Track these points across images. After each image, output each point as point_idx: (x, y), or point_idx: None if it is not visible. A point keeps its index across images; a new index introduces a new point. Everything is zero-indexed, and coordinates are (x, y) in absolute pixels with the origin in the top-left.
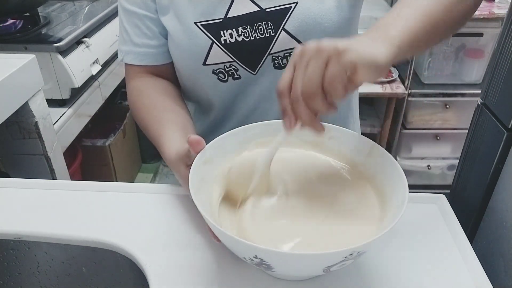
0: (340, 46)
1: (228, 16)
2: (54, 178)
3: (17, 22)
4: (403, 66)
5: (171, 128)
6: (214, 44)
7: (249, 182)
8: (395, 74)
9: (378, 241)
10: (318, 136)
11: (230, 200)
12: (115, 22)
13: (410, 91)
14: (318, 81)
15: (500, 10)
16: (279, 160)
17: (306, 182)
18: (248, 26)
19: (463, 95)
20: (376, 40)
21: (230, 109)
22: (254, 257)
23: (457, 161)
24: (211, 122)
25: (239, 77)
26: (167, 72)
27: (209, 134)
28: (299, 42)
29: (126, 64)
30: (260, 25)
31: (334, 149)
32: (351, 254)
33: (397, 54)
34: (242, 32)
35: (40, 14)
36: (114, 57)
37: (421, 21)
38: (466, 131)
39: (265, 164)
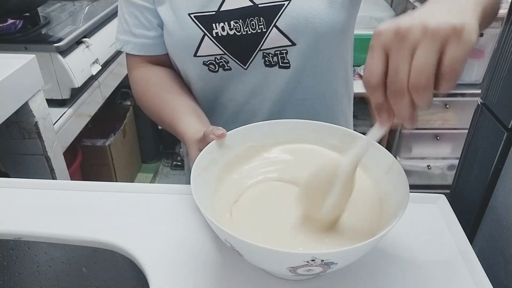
0: (455, 23)
1: (221, 9)
2: (54, 178)
3: (17, 22)
4: None
5: (184, 111)
6: (206, 36)
7: (325, 192)
8: None
9: (345, 253)
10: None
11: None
12: (115, 22)
13: None
14: (432, 70)
15: (500, 10)
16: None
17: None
18: (240, 20)
19: (463, 95)
20: (463, 11)
21: (220, 103)
22: (225, 240)
23: (457, 161)
24: None
25: (230, 69)
26: (166, 62)
27: None
28: (289, 40)
29: (127, 54)
30: (252, 20)
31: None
32: (313, 260)
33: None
34: (234, 26)
35: (40, 14)
36: (114, 57)
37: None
38: (466, 131)
39: (352, 168)
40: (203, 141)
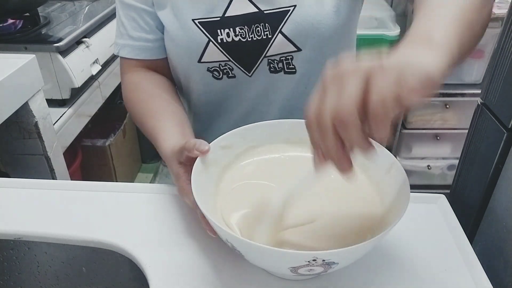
0: (382, 61)
1: (226, 15)
2: (54, 178)
3: (17, 22)
4: None
5: (167, 123)
6: (211, 42)
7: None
8: None
9: (345, 253)
10: (346, 178)
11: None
12: (115, 22)
13: None
14: (354, 104)
15: (500, 10)
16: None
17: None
18: (245, 26)
19: (463, 95)
20: (421, 49)
21: (224, 110)
22: (226, 241)
23: (457, 161)
24: (204, 123)
25: (234, 76)
26: (162, 67)
27: (201, 134)
28: (295, 45)
29: (121, 57)
30: (257, 27)
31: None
32: (315, 260)
33: (450, 61)
34: (239, 32)
35: (40, 14)
36: (114, 57)
37: (461, 21)
38: (466, 131)
39: (280, 207)
40: (181, 154)
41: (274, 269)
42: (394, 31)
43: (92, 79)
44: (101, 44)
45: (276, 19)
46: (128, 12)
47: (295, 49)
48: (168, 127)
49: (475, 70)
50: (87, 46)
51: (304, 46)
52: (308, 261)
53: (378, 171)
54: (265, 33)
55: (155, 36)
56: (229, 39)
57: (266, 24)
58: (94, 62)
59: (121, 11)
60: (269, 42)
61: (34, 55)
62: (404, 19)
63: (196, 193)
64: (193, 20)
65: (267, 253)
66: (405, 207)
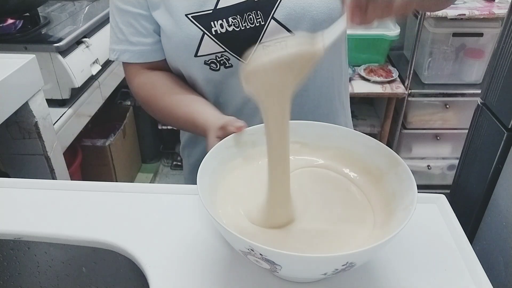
0: None
1: (218, 7)
2: (54, 178)
3: (17, 22)
4: (403, 66)
5: (199, 105)
6: (205, 35)
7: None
8: (395, 74)
9: (286, 256)
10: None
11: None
12: None
13: (410, 91)
14: None
15: (500, 10)
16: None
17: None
18: (238, 16)
19: (463, 95)
20: None
21: (223, 100)
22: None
23: (457, 161)
24: None
25: (231, 66)
26: (164, 67)
27: None
28: (288, 30)
29: (124, 63)
30: (250, 15)
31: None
32: (252, 250)
33: None
34: (232, 22)
35: (40, 14)
36: None
37: None
38: (466, 131)
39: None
40: (223, 130)
41: (306, 275)
42: (394, 31)
43: (92, 79)
44: (101, 44)
45: (268, 5)
46: (125, 18)
47: (289, 34)
48: (203, 108)
49: (475, 70)
50: (87, 46)
51: (297, 30)
52: (248, 249)
53: (383, 171)
54: (258, 20)
55: (152, 39)
56: (223, 30)
57: (258, 12)
58: (94, 62)
59: (118, 18)
60: (263, 29)
61: (34, 55)
62: (404, 19)
63: (208, 157)
64: (186, 15)
65: (223, 230)
66: (404, 222)
